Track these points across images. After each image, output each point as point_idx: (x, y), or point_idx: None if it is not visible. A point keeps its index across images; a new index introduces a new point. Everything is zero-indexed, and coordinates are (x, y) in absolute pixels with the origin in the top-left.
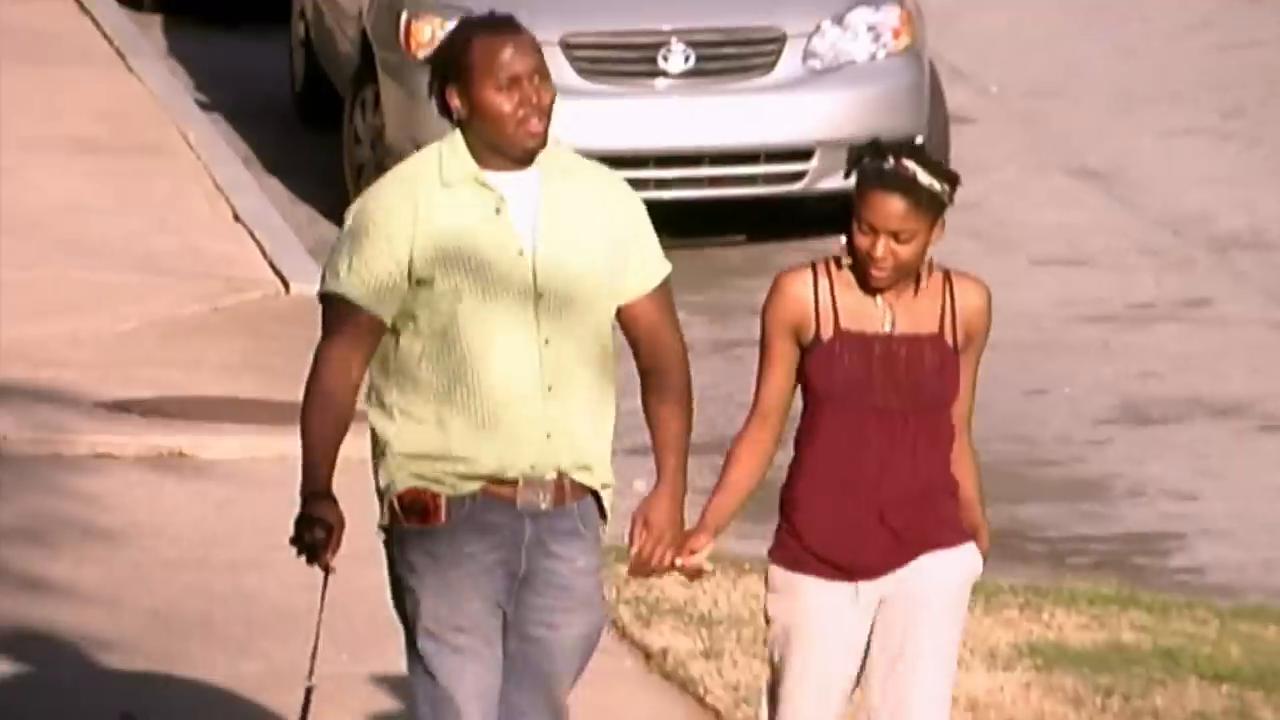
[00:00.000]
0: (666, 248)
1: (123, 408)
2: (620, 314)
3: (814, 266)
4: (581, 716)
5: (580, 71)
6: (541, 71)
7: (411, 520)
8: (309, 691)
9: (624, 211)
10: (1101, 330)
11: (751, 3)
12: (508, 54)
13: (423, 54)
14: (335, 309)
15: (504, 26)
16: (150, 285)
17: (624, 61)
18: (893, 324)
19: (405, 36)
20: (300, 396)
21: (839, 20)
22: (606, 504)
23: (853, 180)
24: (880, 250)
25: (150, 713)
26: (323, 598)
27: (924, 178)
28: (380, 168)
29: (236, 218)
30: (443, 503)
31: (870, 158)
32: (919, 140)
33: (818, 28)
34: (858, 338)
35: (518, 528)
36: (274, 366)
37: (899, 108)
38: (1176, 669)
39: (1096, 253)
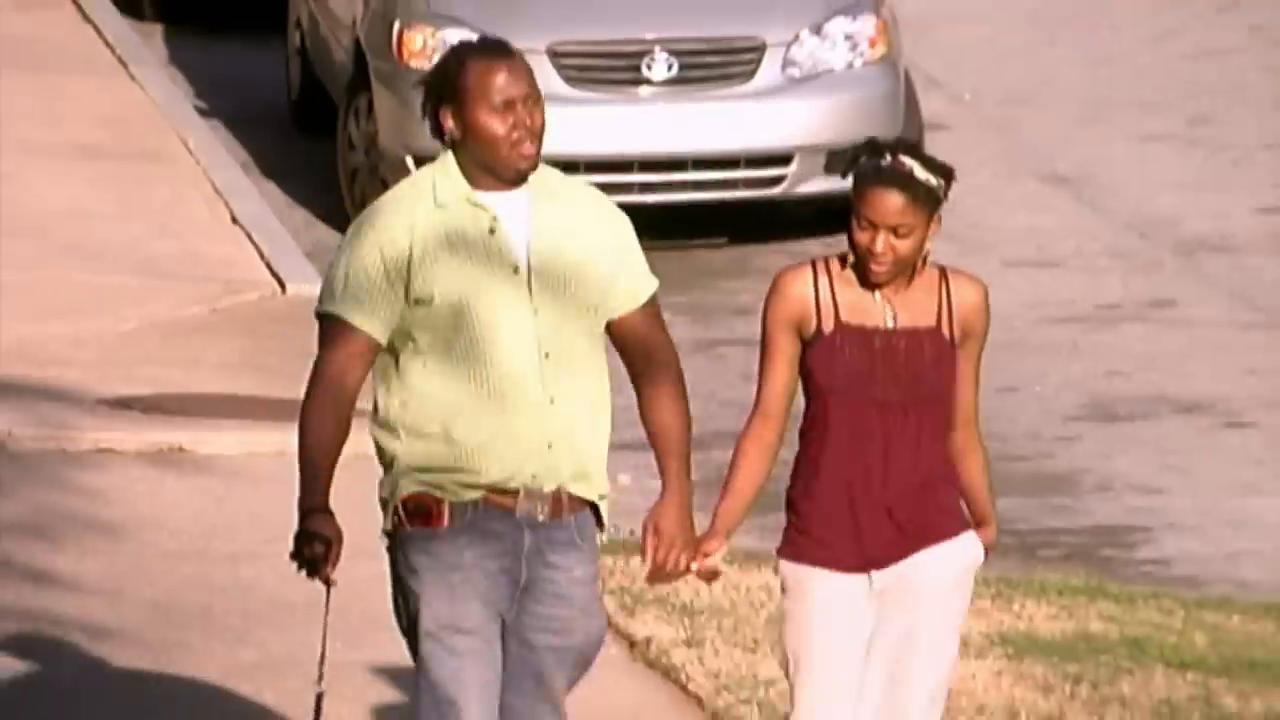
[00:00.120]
0: (650, 250)
1: (124, 405)
2: (612, 329)
3: (813, 265)
4: (567, 703)
5: (567, 79)
6: (534, 95)
7: (415, 523)
8: (319, 697)
9: (611, 229)
10: (1070, 330)
11: (733, 13)
12: (502, 78)
13: (415, 63)
14: (331, 328)
15: (498, 51)
16: (151, 287)
17: (609, 69)
18: (893, 319)
19: (398, 46)
20: (296, 394)
21: (817, 30)
22: (604, 514)
23: (834, 184)
24: (880, 245)
25: (151, 699)
26: (326, 609)
27: (921, 173)
28: (373, 173)
29: (235, 221)
30: (445, 507)
31: (867, 156)
32: None
33: (797, 37)
34: (858, 331)
35: (518, 537)
36: (271, 365)
37: (875, 115)
38: (1143, 658)
39: (1066, 255)
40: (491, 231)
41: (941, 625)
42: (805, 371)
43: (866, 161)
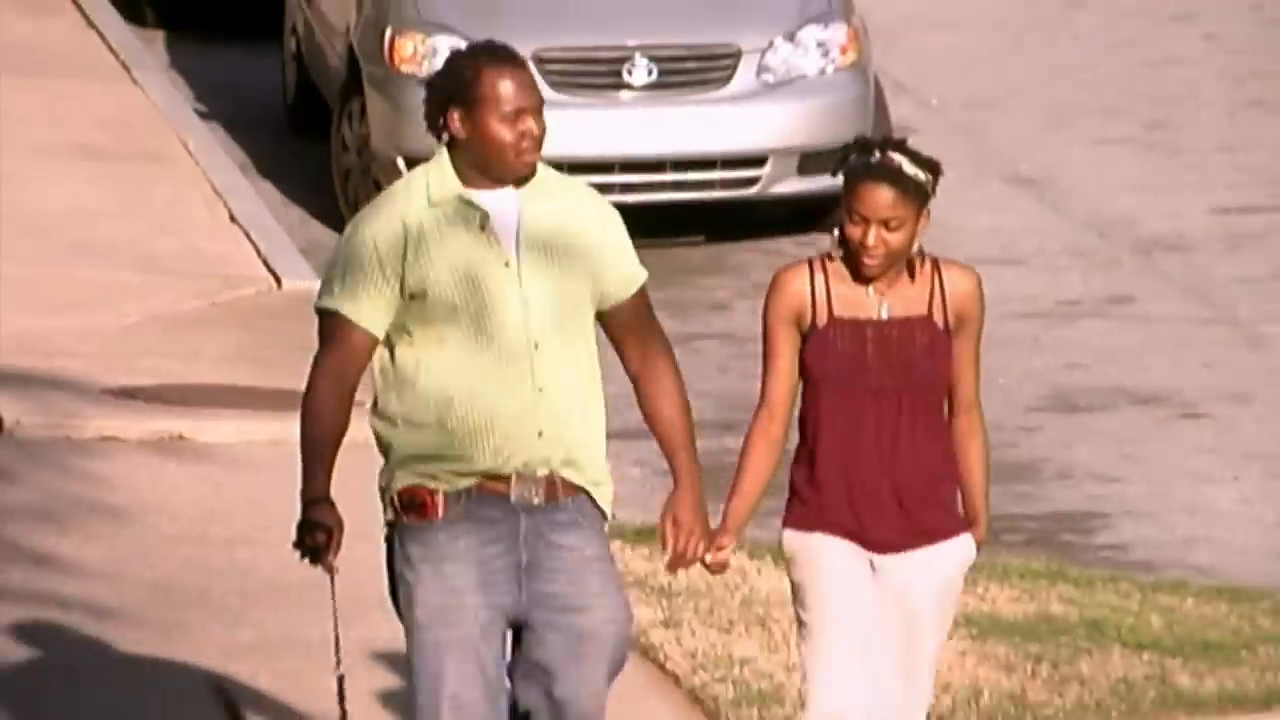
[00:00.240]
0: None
1: (127, 395)
2: (604, 320)
3: (809, 263)
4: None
5: (551, 84)
6: (540, 106)
7: (410, 515)
8: (341, 680)
9: (600, 223)
10: (1032, 325)
11: (710, 20)
12: (515, 88)
13: (405, 68)
14: (330, 324)
15: (511, 60)
16: (152, 283)
17: (592, 75)
18: (884, 310)
19: (389, 51)
20: (292, 385)
21: (791, 37)
22: (603, 502)
23: (807, 185)
24: (872, 239)
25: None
26: (333, 596)
27: (909, 168)
28: (366, 173)
29: (233, 220)
30: (440, 498)
31: (857, 154)
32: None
33: (771, 44)
34: (851, 323)
35: (513, 522)
36: (267, 357)
37: (845, 119)
38: (1101, 638)
39: (1029, 254)
40: (482, 227)
41: (935, 622)
42: (801, 363)
43: (856, 159)
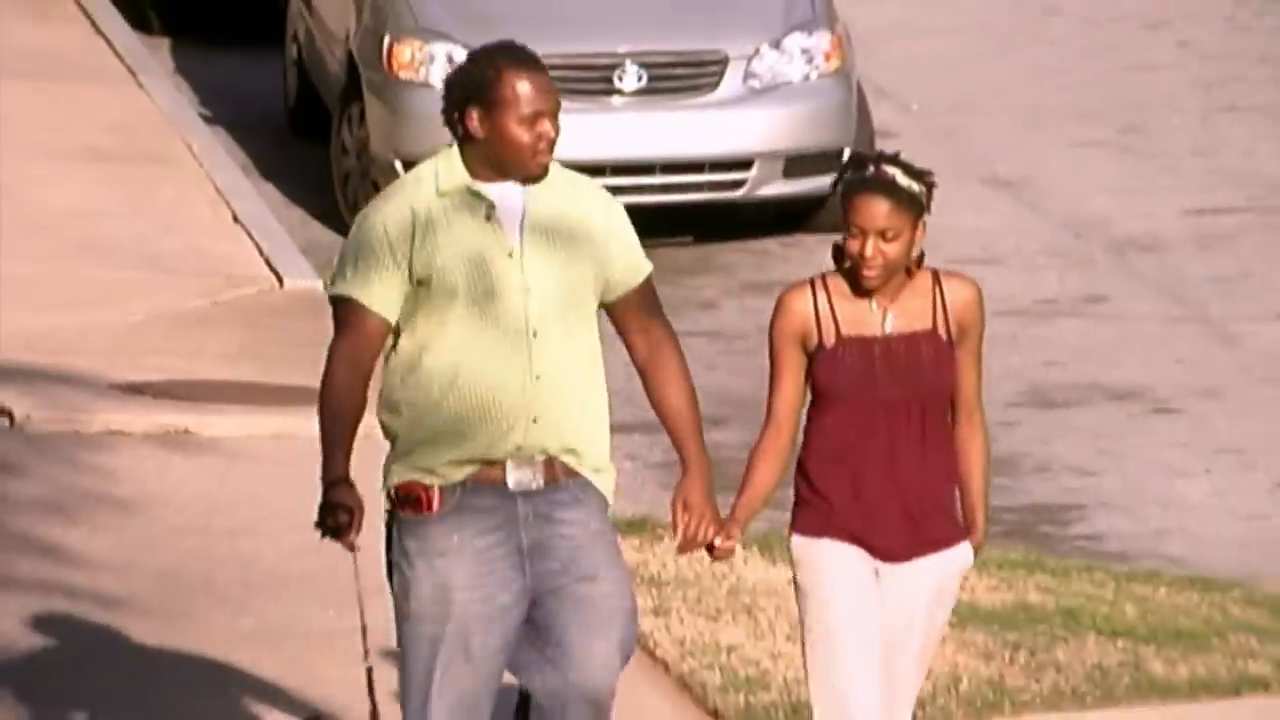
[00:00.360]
0: None
1: (133, 390)
2: (611, 311)
3: (812, 282)
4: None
5: None
6: (556, 108)
7: (405, 510)
8: (370, 671)
9: (604, 215)
10: (1010, 323)
11: (698, 28)
12: (534, 91)
13: (403, 74)
14: (344, 311)
15: (531, 63)
16: (157, 281)
17: (584, 80)
18: (889, 325)
19: (387, 58)
20: (293, 381)
21: (776, 44)
22: (604, 489)
23: (792, 187)
24: (870, 250)
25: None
26: (356, 576)
27: (903, 179)
28: (365, 176)
29: (235, 220)
30: (434, 494)
31: (852, 169)
32: (847, 152)
33: (757, 51)
34: (858, 341)
35: (510, 508)
36: (269, 354)
37: (829, 123)
38: (1077, 626)
39: (1007, 253)
40: (488, 218)
41: (930, 626)
42: (811, 381)
43: (852, 174)
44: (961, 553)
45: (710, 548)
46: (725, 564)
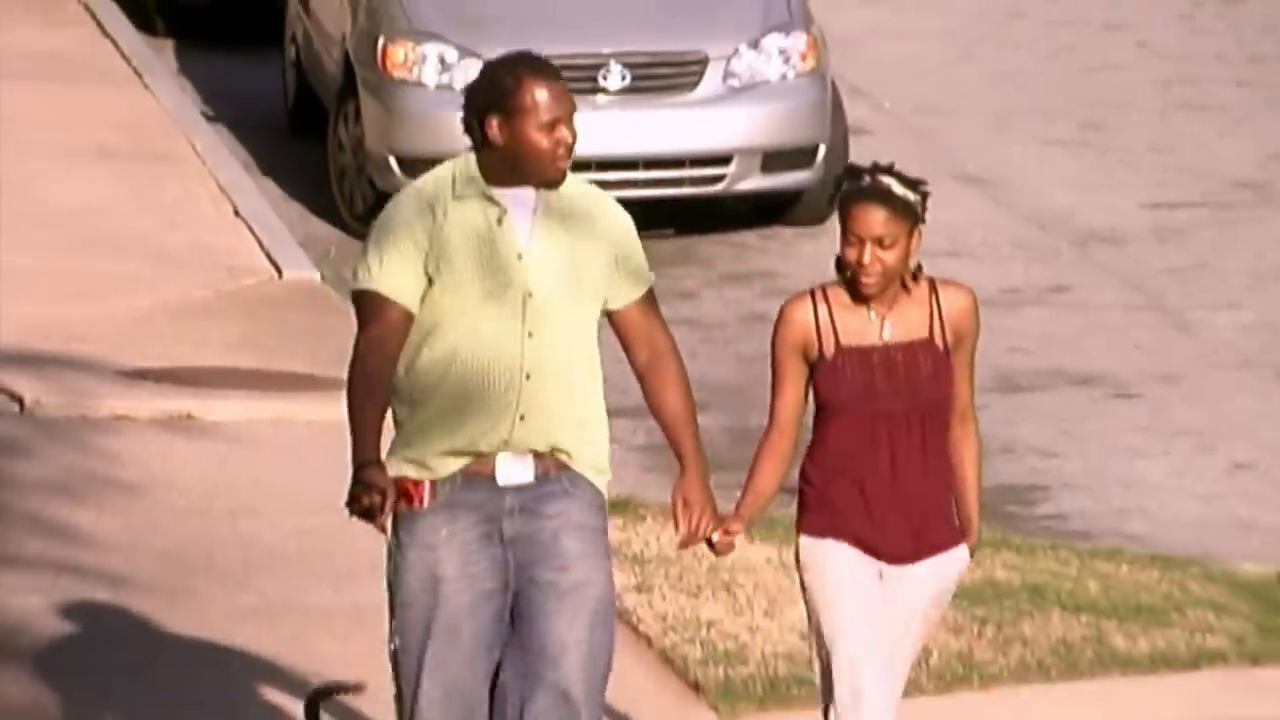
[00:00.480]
0: None
1: (139, 377)
2: (613, 319)
3: (812, 294)
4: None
5: None
6: (572, 113)
7: (398, 504)
8: (394, 654)
9: (612, 225)
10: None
11: (679, 29)
12: (553, 99)
13: (397, 73)
14: (369, 303)
15: (548, 71)
16: (162, 274)
17: (569, 80)
18: (888, 334)
19: (382, 58)
20: (291, 368)
21: (754, 45)
22: (599, 485)
23: (769, 182)
24: (868, 258)
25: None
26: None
27: (898, 189)
28: (360, 172)
29: (237, 215)
30: (425, 489)
31: (849, 180)
32: (823, 148)
33: (736, 51)
34: (857, 351)
35: (498, 501)
36: (269, 343)
37: (805, 121)
38: (1042, 602)
39: (974, 246)
40: (499, 222)
41: (925, 624)
42: (814, 391)
43: (849, 185)
44: (959, 555)
45: (710, 542)
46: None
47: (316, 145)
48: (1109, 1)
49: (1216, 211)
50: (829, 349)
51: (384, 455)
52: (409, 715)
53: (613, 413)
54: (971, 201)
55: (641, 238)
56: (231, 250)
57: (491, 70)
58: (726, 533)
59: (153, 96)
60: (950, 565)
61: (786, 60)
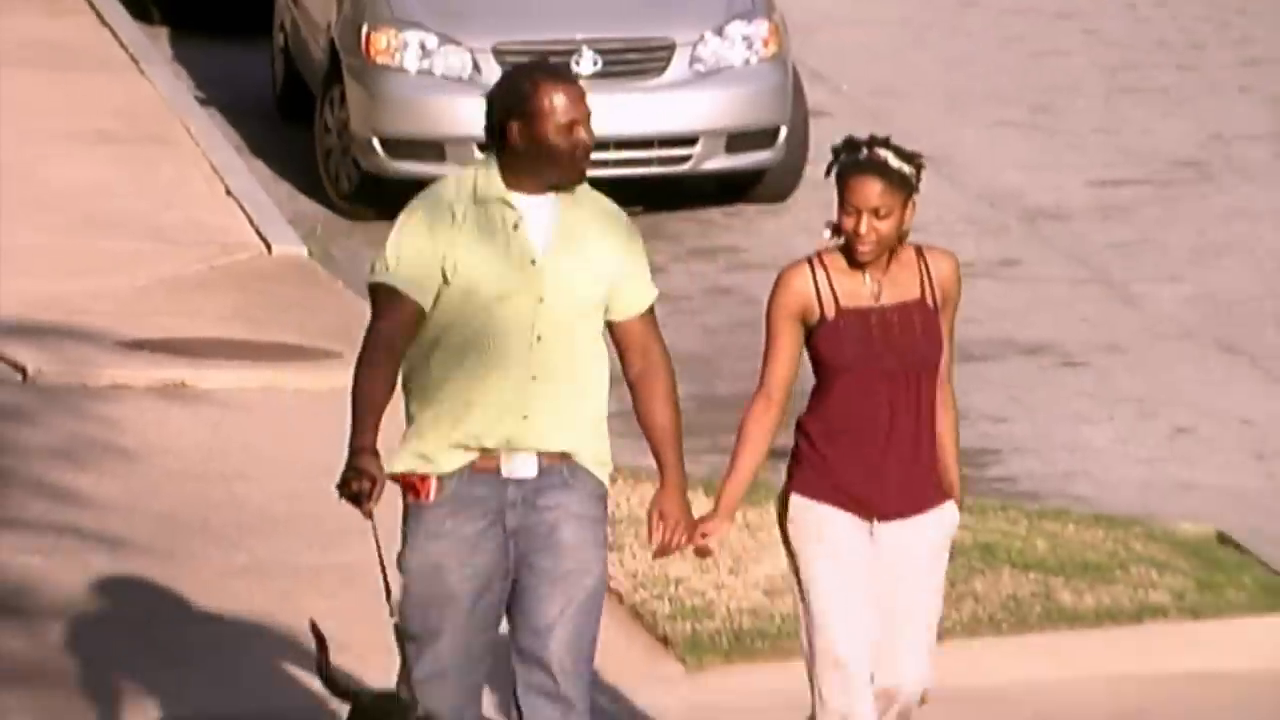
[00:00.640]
0: None
1: (136, 347)
2: (613, 330)
3: (810, 260)
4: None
5: None
6: (589, 116)
7: (405, 495)
8: (397, 628)
9: (623, 240)
10: None
11: (648, 17)
12: (570, 102)
13: (380, 59)
14: (384, 296)
15: (565, 75)
16: (159, 250)
17: None
18: (883, 297)
19: (365, 45)
20: (280, 339)
21: (719, 32)
22: (601, 477)
23: (733, 162)
24: (864, 227)
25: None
26: (376, 541)
27: (894, 161)
28: (345, 153)
29: (229, 194)
30: (431, 484)
31: (846, 152)
32: (784, 130)
33: (702, 37)
34: (856, 313)
35: (501, 494)
36: (259, 315)
37: (767, 103)
38: (993, 560)
39: (928, 222)
40: (515, 227)
41: (932, 574)
42: (813, 353)
43: (846, 157)
44: (950, 511)
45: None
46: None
47: (304, 128)
48: None
49: (1159, 189)
50: (830, 311)
51: (394, 445)
52: (408, 688)
53: None
54: (925, 180)
55: None
56: (224, 228)
57: (511, 78)
58: (704, 536)
59: (149, 83)
60: (943, 520)
61: (749, 46)
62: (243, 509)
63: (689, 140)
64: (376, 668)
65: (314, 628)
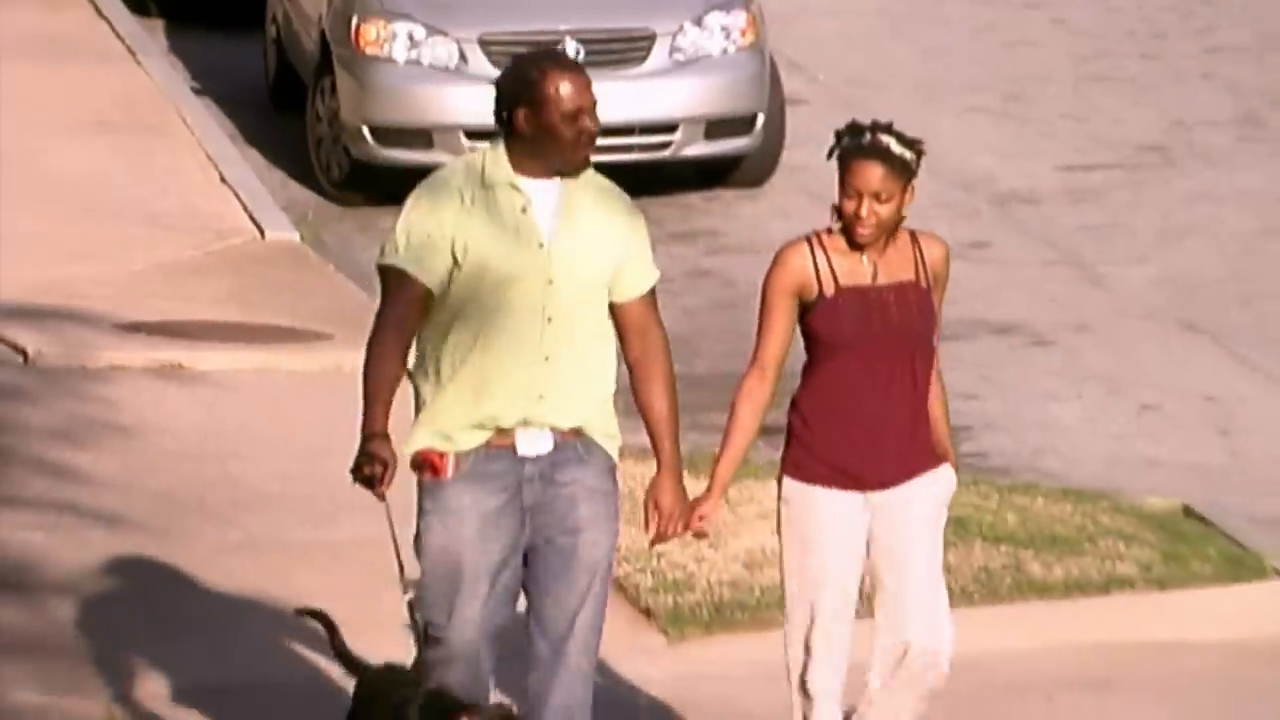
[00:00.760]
0: None
1: (134, 330)
2: (615, 311)
3: (809, 240)
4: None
5: (494, 63)
6: (594, 105)
7: (424, 474)
8: (410, 605)
9: (627, 222)
10: None
11: (629, 8)
12: (575, 90)
13: (369, 50)
14: (393, 279)
15: (571, 64)
16: (155, 236)
17: None
18: (878, 276)
19: (355, 36)
20: (274, 321)
21: (698, 22)
22: (611, 451)
23: (711, 148)
24: (865, 210)
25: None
26: (390, 522)
27: (896, 147)
28: (336, 141)
29: (223, 181)
30: (449, 460)
31: (850, 136)
32: (761, 117)
33: (681, 28)
34: (854, 291)
35: (518, 470)
36: (253, 298)
37: (745, 92)
38: (965, 533)
39: None
40: (524, 211)
41: (933, 529)
42: (810, 330)
43: (849, 141)
44: (946, 474)
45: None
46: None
47: (296, 117)
48: None
49: (1126, 174)
50: (829, 289)
51: (408, 427)
52: (424, 661)
53: None
54: None
55: None
56: (218, 214)
57: (518, 65)
58: (701, 519)
59: (145, 74)
60: (937, 483)
61: (728, 36)
62: (237, 487)
63: (669, 127)
64: (366, 641)
65: (321, 616)
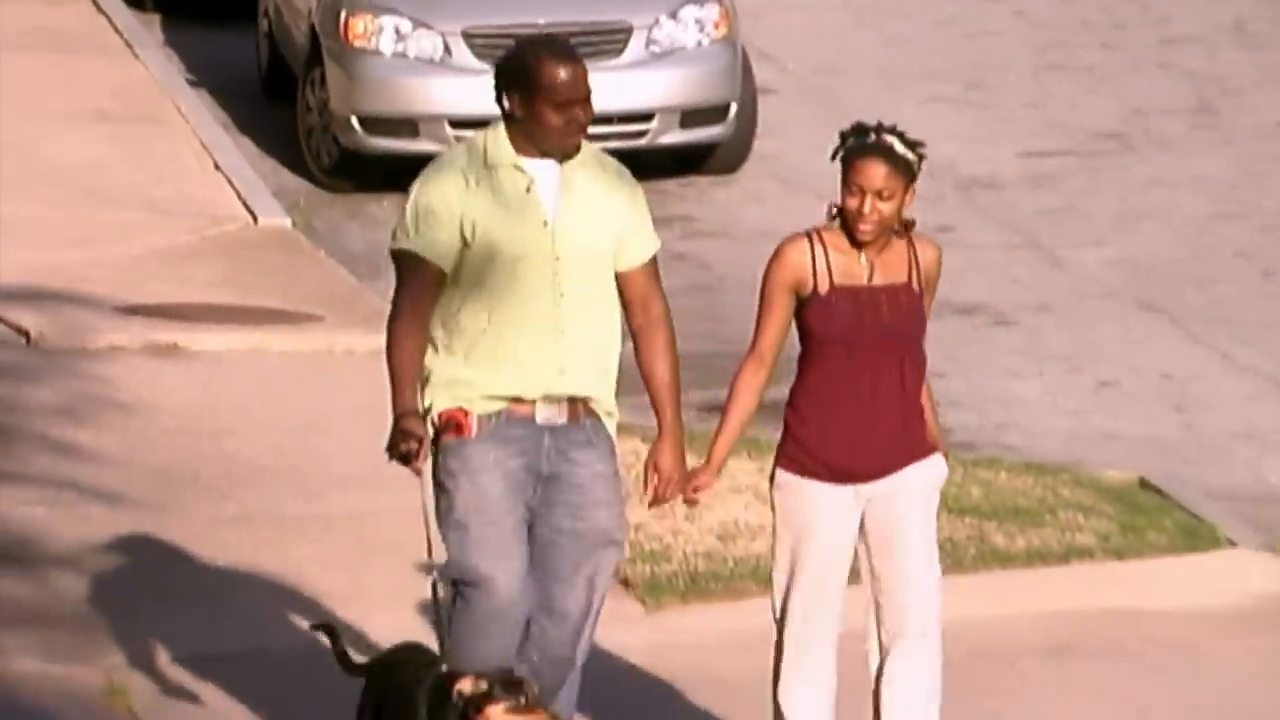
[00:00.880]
0: None
1: (132, 312)
2: (617, 279)
3: (809, 235)
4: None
5: (477, 55)
6: (588, 96)
7: (448, 434)
8: (434, 584)
9: (626, 195)
10: None
11: (607, 2)
12: (569, 80)
13: (358, 43)
14: (407, 263)
15: (569, 55)
16: (152, 222)
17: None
18: (873, 276)
19: (344, 29)
20: (266, 303)
21: (673, 15)
22: (611, 432)
23: (686, 136)
24: (867, 207)
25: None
26: (424, 499)
27: (899, 147)
28: (325, 130)
29: (217, 169)
30: (474, 420)
31: (854, 135)
32: (734, 106)
33: (657, 21)
34: (848, 290)
35: (538, 438)
36: (246, 282)
37: (718, 82)
38: None
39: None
40: (528, 190)
41: (926, 513)
42: (804, 325)
43: (854, 140)
44: (935, 460)
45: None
46: (632, 454)
47: (287, 107)
48: None
49: (1084, 160)
50: (823, 286)
51: (425, 394)
52: (456, 628)
53: None
54: None
55: None
56: (213, 200)
57: (518, 50)
58: (695, 490)
59: (142, 66)
60: (927, 470)
61: (701, 29)
62: (232, 462)
63: (645, 116)
64: (356, 611)
65: (328, 628)
